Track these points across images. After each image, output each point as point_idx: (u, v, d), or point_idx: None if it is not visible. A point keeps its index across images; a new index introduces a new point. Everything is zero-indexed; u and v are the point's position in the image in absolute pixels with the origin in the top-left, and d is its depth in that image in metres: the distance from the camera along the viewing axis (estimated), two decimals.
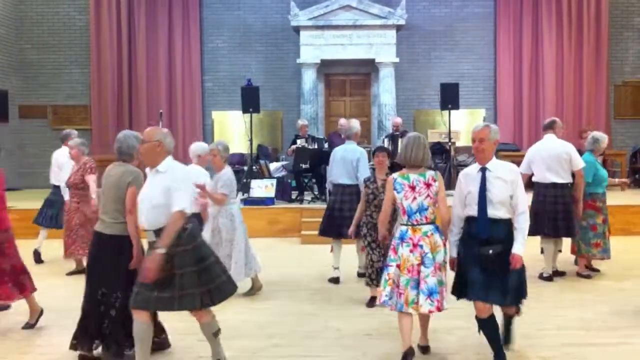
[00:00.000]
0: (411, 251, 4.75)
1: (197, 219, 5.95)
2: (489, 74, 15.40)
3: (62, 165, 8.46)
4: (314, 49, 14.31)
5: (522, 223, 4.66)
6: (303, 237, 10.47)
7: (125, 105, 15.25)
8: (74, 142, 7.79)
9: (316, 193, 11.87)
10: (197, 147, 7.15)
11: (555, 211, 7.57)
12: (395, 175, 4.95)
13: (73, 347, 4.95)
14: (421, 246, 4.75)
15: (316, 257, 9.13)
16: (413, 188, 4.84)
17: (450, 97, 12.91)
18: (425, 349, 5.19)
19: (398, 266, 4.79)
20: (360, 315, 6.27)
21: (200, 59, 15.41)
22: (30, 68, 15.45)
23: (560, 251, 8.11)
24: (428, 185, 4.87)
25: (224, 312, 6.11)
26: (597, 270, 8.06)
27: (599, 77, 15.14)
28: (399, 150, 5.18)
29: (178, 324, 5.47)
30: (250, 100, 12.79)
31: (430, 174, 4.93)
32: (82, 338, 4.92)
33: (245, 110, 12.86)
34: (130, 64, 15.30)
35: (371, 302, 6.48)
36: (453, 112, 13.12)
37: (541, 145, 7.94)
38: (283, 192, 11.88)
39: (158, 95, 15.21)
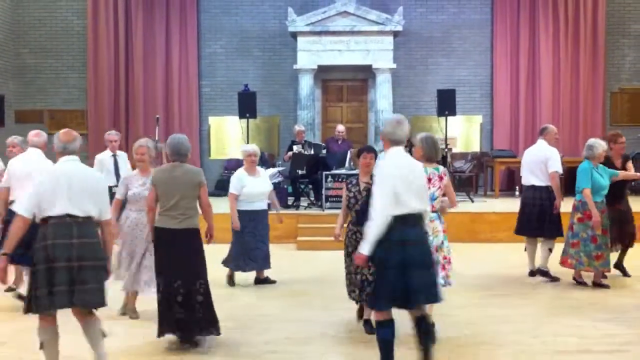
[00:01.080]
0: None
1: None
2: (485, 81, 15.42)
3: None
4: (311, 54, 14.32)
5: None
6: (299, 243, 10.47)
7: (122, 110, 15.23)
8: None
9: (312, 199, 11.86)
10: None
11: (533, 212, 7.98)
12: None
13: (162, 333, 5.45)
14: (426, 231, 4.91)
15: (312, 263, 9.12)
16: (429, 180, 5.39)
17: (447, 104, 12.93)
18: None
19: None
20: (356, 322, 6.25)
21: (198, 64, 15.41)
22: (27, 72, 15.43)
23: (550, 250, 8.00)
24: (440, 178, 5.56)
25: (220, 319, 6.10)
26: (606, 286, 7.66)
27: (595, 84, 15.16)
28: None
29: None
30: (247, 106, 12.79)
31: (442, 169, 5.64)
32: (184, 329, 5.42)
33: (242, 116, 12.86)
34: (127, 68, 15.28)
35: (367, 326, 5.81)
36: (450, 118, 13.14)
37: (529, 150, 8.45)
38: (279, 198, 11.84)
39: (155, 100, 15.19)
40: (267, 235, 7.92)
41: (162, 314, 5.40)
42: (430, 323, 4.63)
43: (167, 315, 5.37)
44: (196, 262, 5.43)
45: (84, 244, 4.40)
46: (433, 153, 5.57)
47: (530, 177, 8.06)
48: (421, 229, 4.54)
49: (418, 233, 4.48)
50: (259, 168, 7.89)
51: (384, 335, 4.54)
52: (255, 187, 7.64)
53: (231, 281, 7.82)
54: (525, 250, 8.33)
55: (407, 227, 4.38)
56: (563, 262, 7.70)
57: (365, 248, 4.42)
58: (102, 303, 4.51)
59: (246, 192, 7.58)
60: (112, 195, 6.01)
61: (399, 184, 4.37)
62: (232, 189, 7.61)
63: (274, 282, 7.94)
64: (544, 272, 7.99)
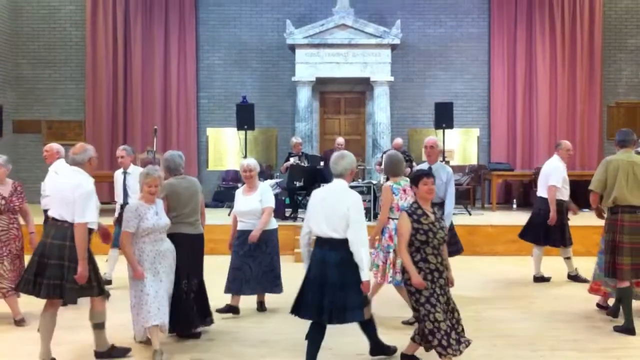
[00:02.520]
0: None
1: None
2: (483, 94, 15.48)
3: None
4: (309, 67, 14.36)
5: None
6: (297, 255, 10.44)
7: (120, 121, 15.25)
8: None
9: None
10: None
11: (539, 222, 8.54)
12: (389, 183, 6.52)
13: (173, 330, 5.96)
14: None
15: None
16: (405, 191, 6.45)
17: (444, 116, 12.97)
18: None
19: (394, 251, 6.32)
20: (353, 334, 6.23)
21: (196, 75, 15.44)
22: (25, 83, 15.45)
23: (568, 258, 8.63)
24: (411, 188, 5.70)
25: (216, 332, 6.08)
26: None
27: (592, 97, 15.23)
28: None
29: None
30: (245, 117, 12.80)
31: (408, 179, 6.38)
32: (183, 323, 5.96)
33: (240, 127, 12.87)
34: (125, 79, 15.31)
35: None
36: (447, 131, 13.18)
37: (544, 164, 8.91)
38: (277, 209, 11.79)
39: (153, 111, 15.21)
40: (257, 256, 6.91)
41: (172, 313, 5.74)
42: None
43: (177, 314, 5.83)
44: (202, 262, 6.23)
45: (52, 244, 5.18)
46: (394, 170, 6.57)
47: (540, 188, 8.66)
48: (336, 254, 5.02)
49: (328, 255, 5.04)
50: (259, 184, 7.20)
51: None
52: (240, 205, 7.00)
53: (232, 308, 7.04)
54: (533, 255, 8.80)
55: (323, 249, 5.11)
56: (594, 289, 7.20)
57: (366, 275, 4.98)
58: (60, 297, 5.21)
59: (234, 210, 7.13)
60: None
61: None
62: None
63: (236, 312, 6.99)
64: (573, 277, 8.66)
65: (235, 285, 6.87)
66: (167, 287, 5.64)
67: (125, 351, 5.58)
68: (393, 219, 6.36)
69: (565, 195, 8.47)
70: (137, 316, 5.53)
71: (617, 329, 6.31)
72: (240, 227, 6.99)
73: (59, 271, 5.11)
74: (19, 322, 6.50)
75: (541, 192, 8.57)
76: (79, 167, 5.33)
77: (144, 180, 5.60)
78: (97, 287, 5.30)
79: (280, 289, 7.07)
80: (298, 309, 5.15)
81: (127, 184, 8.16)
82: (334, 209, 5.01)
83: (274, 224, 7.15)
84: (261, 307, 7.23)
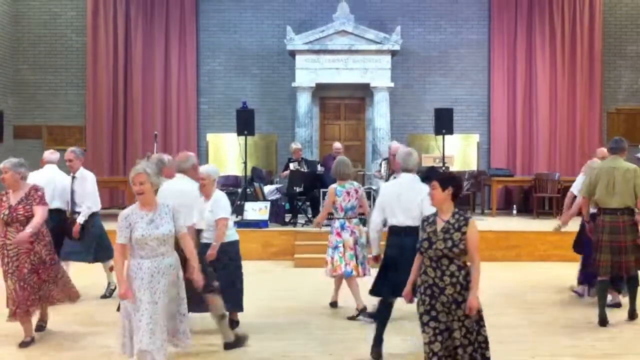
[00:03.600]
0: (350, 235, 7.15)
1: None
2: (482, 100, 15.49)
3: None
4: (309, 72, 14.38)
5: None
6: (296, 260, 10.45)
7: (120, 127, 15.26)
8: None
9: (310, 216, 11.86)
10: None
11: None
12: (334, 185, 7.24)
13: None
14: (354, 232, 7.19)
15: (309, 280, 9.09)
16: (348, 193, 7.19)
17: (444, 122, 12.96)
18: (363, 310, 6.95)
19: (343, 245, 7.12)
20: (354, 340, 6.24)
21: (196, 81, 15.46)
22: (26, 88, 15.46)
23: None
24: (357, 191, 7.25)
25: (217, 337, 6.08)
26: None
27: (592, 104, 15.24)
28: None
29: None
30: (245, 123, 12.81)
31: (357, 184, 7.39)
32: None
33: (240, 133, 12.88)
34: (126, 85, 15.32)
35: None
36: (447, 137, 13.18)
37: None
38: (277, 215, 11.87)
39: (153, 116, 15.23)
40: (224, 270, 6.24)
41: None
42: None
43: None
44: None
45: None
46: (340, 174, 7.23)
47: None
48: None
49: None
50: (216, 192, 6.32)
51: None
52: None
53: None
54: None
55: None
56: None
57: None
58: None
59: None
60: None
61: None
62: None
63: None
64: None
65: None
66: (164, 308, 4.77)
67: (245, 339, 6.06)
68: (338, 218, 7.24)
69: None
70: (126, 333, 4.83)
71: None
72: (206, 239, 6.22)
73: None
74: (24, 344, 6.01)
75: None
76: (184, 174, 5.67)
77: (130, 179, 4.89)
78: (206, 285, 5.30)
79: (241, 307, 6.46)
80: (378, 290, 5.82)
81: (74, 189, 7.60)
82: (409, 201, 5.74)
83: (232, 235, 6.40)
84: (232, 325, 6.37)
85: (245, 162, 12.95)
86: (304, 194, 11.80)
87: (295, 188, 11.73)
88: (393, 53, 14.41)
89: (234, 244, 6.39)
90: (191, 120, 15.36)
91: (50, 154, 7.97)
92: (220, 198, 6.22)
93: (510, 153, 15.31)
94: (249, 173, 13.28)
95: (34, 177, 6.90)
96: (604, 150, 8.22)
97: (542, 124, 15.10)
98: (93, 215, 7.74)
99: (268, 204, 11.66)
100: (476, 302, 4.32)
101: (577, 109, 15.15)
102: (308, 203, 12.07)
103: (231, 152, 15.16)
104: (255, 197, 12.13)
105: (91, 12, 15.15)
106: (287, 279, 9.37)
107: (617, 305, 7.50)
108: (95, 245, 7.79)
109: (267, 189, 12.58)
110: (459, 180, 4.65)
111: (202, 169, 6.22)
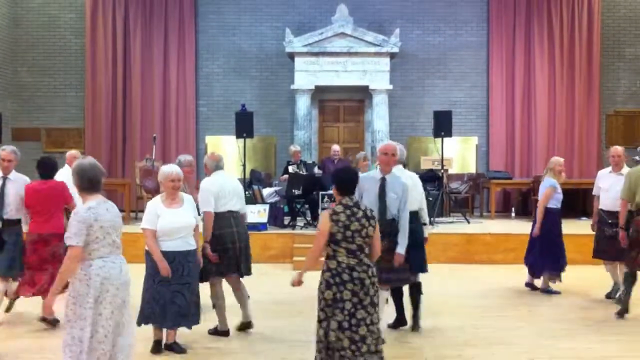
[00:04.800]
0: None
1: None
2: (481, 102, 15.49)
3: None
4: (308, 75, 14.39)
5: None
6: (295, 263, 10.43)
7: (119, 129, 15.26)
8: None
9: (309, 219, 11.86)
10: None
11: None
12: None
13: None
14: None
15: (308, 283, 9.07)
16: None
17: (443, 125, 12.97)
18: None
19: None
20: None
21: (195, 83, 15.46)
22: (24, 91, 15.46)
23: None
24: None
25: (216, 340, 6.08)
26: None
27: (590, 106, 15.25)
28: None
29: None
30: (244, 125, 12.81)
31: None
32: None
33: (239, 135, 12.88)
34: (125, 87, 15.32)
35: None
36: (446, 139, 13.17)
37: None
38: (275, 217, 11.86)
39: (152, 119, 15.22)
40: (194, 282, 5.88)
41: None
42: None
43: None
44: None
45: (240, 232, 6.55)
46: None
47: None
48: None
49: None
50: (183, 195, 5.92)
51: None
52: (172, 220, 5.69)
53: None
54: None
55: None
56: None
57: None
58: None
59: (160, 227, 5.67)
60: None
61: None
62: (146, 223, 5.74)
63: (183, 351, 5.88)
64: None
65: (168, 321, 5.72)
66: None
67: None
68: None
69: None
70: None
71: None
72: (169, 247, 5.66)
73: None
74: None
75: None
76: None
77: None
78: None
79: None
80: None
81: (6, 193, 6.84)
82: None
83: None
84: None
85: (244, 165, 12.96)
86: (302, 196, 11.80)
87: (294, 191, 11.73)
88: (392, 55, 14.41)
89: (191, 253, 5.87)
90: (190, 122, 15.36)
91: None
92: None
93: (509, 155, 15.31)
94: (247, 176, 13.29)
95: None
96: (618, 148, 8.22)
97: (541, 126, 15.11)
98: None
99: (267, 206, 11.65)
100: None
101: (576, 112, 15.16)
102: (307, 206, 12.06)
103: (230, 155, 15.11)
104: (254, 200, 12.13)
105: (90, 14, 15.16)
106: (285, 282, 9.33)
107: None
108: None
109: (266, 191, 12.57)
110: (339, 176, 4.83)
111: (173, 169, 5.82)
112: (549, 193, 8.32)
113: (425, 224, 6.67)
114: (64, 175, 7.44)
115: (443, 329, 5.58)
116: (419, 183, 6.76)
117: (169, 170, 5.76)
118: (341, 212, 4.59)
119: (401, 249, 5.94)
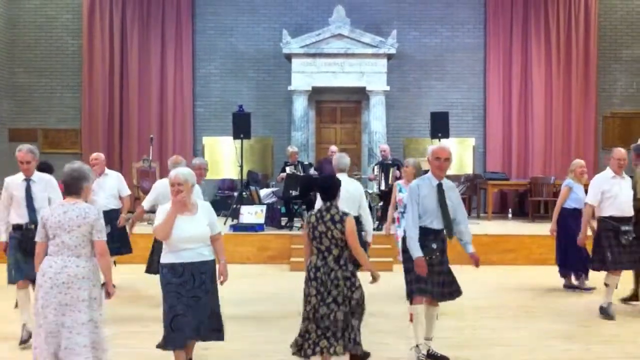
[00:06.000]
0: None
1: None
2: (478, 104, 15.52)
3: None
4: (306, 76, 14.39)
5: None
6: (292, 263, 10.43)
7: (116, 130, 15.24)
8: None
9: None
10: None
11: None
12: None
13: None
14: None
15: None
16: None
17: (440, 126, 12.99)
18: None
19: None
20: None
21: (192, 84, 15.45)
22: (21, 91, 15.44)
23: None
24: None
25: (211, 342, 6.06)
26: None
27: (587, 108, 15.29)
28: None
29: None
30: (241, 126, 12.81)
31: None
32: None
33: (236, 136, 12.88)
34: (121, 88, 15.31)
35: None
36: (443, 140, 13.19)
37: None
38: (273, 218, 11.86)
39: (149, 120, 15.21)
40: (206, 296, 5.11)
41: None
42: None
43: None
44: None
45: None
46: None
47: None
48: None
49: None
50: (197, 202, 5.23)
51: None
52: (183, 230, 4.97)
53: None
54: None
55: None
56: None
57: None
58: None
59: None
60: None
61: None
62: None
63: None
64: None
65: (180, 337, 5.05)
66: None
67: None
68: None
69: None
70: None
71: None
72: (176, 258, 5.01)
73: None
74: None
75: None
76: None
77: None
78: None
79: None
80: None
81: (34, 197, 6.41)
82: None
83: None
84: None
85: (241, 166, 12.95)
86: (300, 197, 11.80)
87: (291, 191, 11.73)
88: (389, 57, 14.43)
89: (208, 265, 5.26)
90: (187, 123, 15.35)
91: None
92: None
93: (506, 157, 15.34)
94: (244, 176, 13.29)
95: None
96: (622, 151, 7.39)
97: (538, 127, 15.14)
98: None
99: (264, 207, 11.65)
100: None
101: (573, 113, 15.20)
102: (304, 206, 12.06)
103: (227, 156, 15.15)
104: (251, 201, 12.13)
105: (87, 15, 15.15)
106: (283, 283, 9.35)
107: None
108: None
109: (263, 192, 12.57)
110: (318, 184, 5.35)
111: (177, 173, 5.06)
112: (565, 193, 8.53)
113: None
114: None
115: (440, 330, 5.56)
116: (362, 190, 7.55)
117: (172, 173, 5.06)
118: (314, 214, 5.08)
119: (471, 248, 6.17)
